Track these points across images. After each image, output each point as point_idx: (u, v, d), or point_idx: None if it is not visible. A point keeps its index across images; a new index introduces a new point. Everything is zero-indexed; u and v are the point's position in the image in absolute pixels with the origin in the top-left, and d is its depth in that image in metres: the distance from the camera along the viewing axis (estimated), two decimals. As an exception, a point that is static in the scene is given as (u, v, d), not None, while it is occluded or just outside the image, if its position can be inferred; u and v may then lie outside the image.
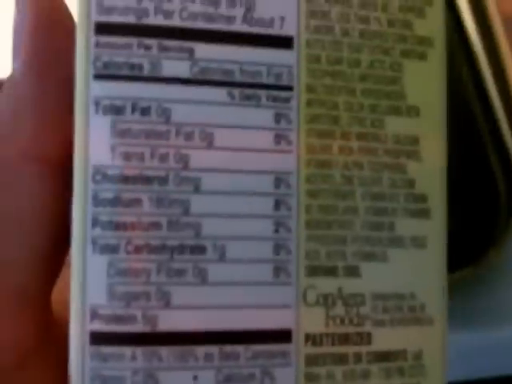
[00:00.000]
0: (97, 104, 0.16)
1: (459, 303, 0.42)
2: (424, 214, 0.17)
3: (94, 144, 0.16)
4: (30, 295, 0.16)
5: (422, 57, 0.17)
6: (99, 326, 0.16)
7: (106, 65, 0.16)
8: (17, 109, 0.16)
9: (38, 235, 0.16)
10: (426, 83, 0.18)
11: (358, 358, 0.17)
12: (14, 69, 0.16)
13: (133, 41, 0.16)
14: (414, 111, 0.17)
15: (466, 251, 0.42)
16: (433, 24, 0.18)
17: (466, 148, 0.44)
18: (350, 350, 0.17)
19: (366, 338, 0.17)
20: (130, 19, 0.16)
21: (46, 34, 0.16)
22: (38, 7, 0.15)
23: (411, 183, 0.17)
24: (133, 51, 0.16)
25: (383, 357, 0.17)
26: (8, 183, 0.16)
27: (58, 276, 0.17)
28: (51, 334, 0.17)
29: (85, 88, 0.16)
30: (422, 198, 0.17)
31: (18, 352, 0.16)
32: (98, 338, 0.16)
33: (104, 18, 0.16)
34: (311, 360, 0.16)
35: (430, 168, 0.17)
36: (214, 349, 0.16)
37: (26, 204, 0.16)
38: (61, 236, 0.16)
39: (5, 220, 0.16)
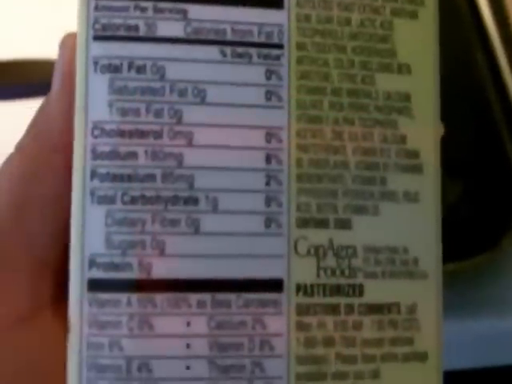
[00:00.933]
0: (96, 63, 0.17)
1: (473, 290, 0.41)
2: (416, 169, 0.17)
3: (93, 101, 0.16)
4: (48, 263, 0.18)
5: (413, 15, 0.18)
6: (97, 274, 0.16)
7: (104, 27, 0.17)
8: (51, 113, 0.18)
9: (57, 214, 0.18)
10: (417, 42, 0.18)
11: (349, 309, 0.17)
12: (51, 91, 0.18)
13: (129, 3, 0.17)
14: (405, 69, 0.18)
15: (480, 238, 0.42)
16: None
17: (481, 135, 0.43)
18: (341, 300, 0.17)
19: (357, 290, 0.17)
20: None
21: (72, 71, 0.18)
22: (69, 60, 0.18)
23: (403, 139, 0.17)
24: (129, 13, 0.17)
25: (375, 309, 0.17)
26: (39, 171, 0.18)
27: None
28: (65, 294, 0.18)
29: (85, 49, 0.17)
30: (414, 154, 0.17)
31: (35, 303, 0.18)
32: (95, 285, 0.16)
33: (102, -17, 0.17)
34: (302, 309, 0.17)
35: (422, 124, 0.18)
36: (206, 296, 0.16)
37: (52, 189, 0.18)
38: None
39: (34, 202, 0.18)
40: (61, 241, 0.18)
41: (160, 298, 0.16)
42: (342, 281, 0.17)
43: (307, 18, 0.17)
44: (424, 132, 0.18)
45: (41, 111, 0.19)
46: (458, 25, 0.47)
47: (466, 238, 0.41)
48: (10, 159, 0.18)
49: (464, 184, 0.44)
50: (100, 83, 0.16)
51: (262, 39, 0.17)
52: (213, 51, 0.17)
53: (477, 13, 0.44)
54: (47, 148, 0.18)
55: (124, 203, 0.16)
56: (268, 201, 0.17)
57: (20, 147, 0.18)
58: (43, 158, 0.18)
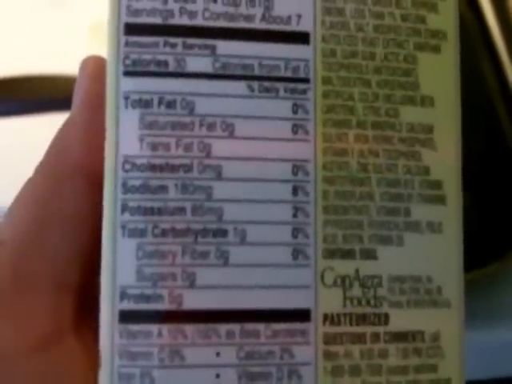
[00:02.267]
0: (126, 98, 0.17)
1: (483, 300, 0.41)
2: (439, 200, 0.17)
3: (124, 135, 0.16)
4: (68, 283, 0.18)
5: (436, 49, 0.18)
6: (128, 305, 0.16)
7: (134, 62, 0.17)
8: (71, 135, 0.18)
9: (77, 234, 0.18)
10: (439, 74, 0.18)
11: (375, 337, 0.17)
12: (71, 113, 0.18)
13: (159, 40, 0.17)
14: (428, 101, 0.17)
15: (489, 249, 0.41)
16: (445, 18, 0.18)
17: (489, 146, 0.43)
18: (367, 329, 0.17)
19: (383, 319, 0.17)
20: (157, 20, 0.17)
21: (91, 93, 0.18)
22: (89, 82, 0.18)
23: (426, 170, 0.17)
24: (159, 49, 0.17)
25: (400, 337, 0.17)
26: (60, 190, 0.18)
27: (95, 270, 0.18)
28: (87, 319, 0.18)
29: (115, 84, 0.17)
30: (437, 185, 0.17)
31: (57, 326, 0.17)
32: (126, 317, 0.16)
33: (132, 20, 0.17)
34: (329, 339, 0.16)
35: (445, 156, 0.17)
36: (235, 327, 0.16)
37: (73, 209, 0.18)
38: (96, 235, 0.17)
39: (55, 223, 0.18)
40: (82, 262, 0.18)
41: (190, 328, 0.16)
42: (368, 310, 0.17)
43: (333, 52, 0.17)
44: (446, 163, 0.18)
45: (61, 132, 0.18)
46: (463, 34, 0.46)
47: (474, 248, 0.41)
48: (30, 180, 0.18)
49: (472, 195, 0.44)
50: (131, 118, 0.16)
51: (289, 74, 0.17)
52: (240, 86, 0.17)
53: (482, 22, 0.44)
54: (68, 169, 0.18)
55: (155, 236, 0.16)
56: (295, 232, 0.17)
57: (41, 169, 0.18)
58: (64, 178, 0.18)
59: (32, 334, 0.17)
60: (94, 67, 0.18)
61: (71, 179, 0.18)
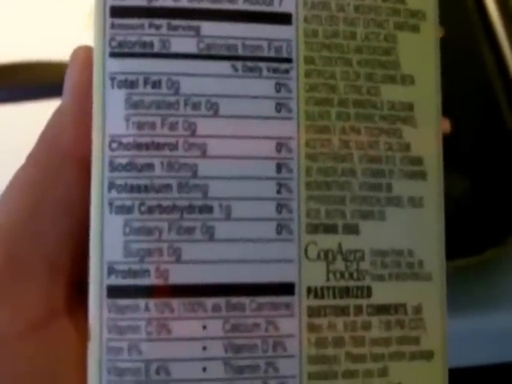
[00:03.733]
0: (112, 79, 0.16)
1: (483, 285, 0.41)
2: (420, 175, 0.17)
3: (110, 115, 0.16)
4: (61, 266, 0.18)
5: (415, 29, 0.17)
6: (116, 280, 0.16)
7: (120, 44, 0.16)
8: (62, 123, 0.18)
9: (69, 217, 0.18)
10: (419, 53, 0.17)
11: (358, 310, 0.17)
12: (62, 101, 0.18)
13: (144, 21, 0.16)
14: (408, 79, 0.17)
15: (489, 233, 0.41)
16: None
17: (489, 131, 0.43)
18: (350, 302, 0.17)
19: (365, 292, 0.17)
20: (142, 2, 0.17)
21: (82, 81, 0.18)
22: (79, 71, 0.18)
23: (407, 147, 0.17)
24: (144, 31, 0.16)
25: (383, 309, 0.17)
26: (51, 176, 0.18)
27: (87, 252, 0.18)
28: (80, 301, 0.18)
29: (102, 65, 0.16)
30: (418, 161, 0.17)
31: (50, 308, 0.17)
32: (114, 292, 0.16)
33: (118, 2, 0.17)
34: (313, 311, 0.16)
35: (425, 132, 0.17)
36: (221, 300, 0.16)
37: (64, 193, 0.18)
38: (86, 218, 0.17)
39: (46, 207, 0.18)
40: (73, 244, 0.17)
41: (177, 302, 0.16)
42: (351, 283, 0.17)
43: (314, 32, 0.17)
44: (427, 140, 0.17)
45: (52, 120, 0.18)
46: (462, 18, 0.46)
47: (474, 233, 0.40)
48: (22, 167, 0.18)
49: (472, 180, 0.43)
50: (117, 98, 0.16)
51: (272, 54, 0.17)
52: (225, 66, 0.17)
53: (481, 5, 0.43)
54: (59, 155, 0.18)
55: (141, 213, 0.16)
56: (279, 208, 0.16)
57: (32, 155, 0.18)
58: (55, 164, 0.18)
59: (26, 316, 0.17)
60: (84, 56, 0.18)
61: (62, 165, 0.18)
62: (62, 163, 0.18)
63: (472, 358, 0.39)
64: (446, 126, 0.46)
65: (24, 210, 0.18)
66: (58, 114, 0.18)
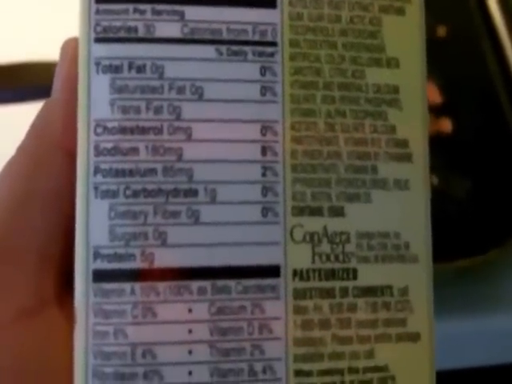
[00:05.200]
0: (97, 64, 0.16)
1: (486, 286, 0.40)
2: (406, 157, 0.17)
3: (95, 100, 0.16)
4: (51, 256, 0.17)
5: (400, 12, 0.17)
6: (101, 265, 0.16)
7: (105, 29, 0.16)
8: (52, 114, 0.18)
9: (59, 207, 0.17)
10: (404, 36, 0.17)
11: (344, 292, 0.16)
12: (52, 93, 0.18)
13: (129, 7, 0.16)
14: (393, 63, 0.17)
15: (491, 234, 0.40)
16: None
17: (491, 131, 0.42)
18: (336, 284, 0.16)
19: (351, 274, 0.16)
20: None
21: (72, 75, 0.17)
22: (69, 64, 0.17)
23: (392, 129, 0.17)
24: (129, 16, 0.16)
25: (369, 291, 0.16)
26: (40, 167, 0.17)
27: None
28: (70, 291, 0.17)
29: (87, 51, 0.16)
30: (404, 143, 0.17)
31: (40, 298, 0.17)
32: (100, 276, 0.16)
33: (102, -12, 0.16)
34: (299, 293, 0.16)
35: (410, 115, 0.17)
36: (207, 283, 0.16)
37: (53, 184, 0.17)
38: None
39: (35, 197, 0.17)
40: (63, 234, 0.17)
41: (162, 286, 0.16)
42: (337, 265, 0.16)
43: (299, 16, 0.17)
44: (412, 122, 0.17)
45: (42, 112, 0.18)
46: (465, 19, 0.45)
47: (477, 234, 0.40)
48: (12, 158, 0.18)
49: (474, 181, 0.43)
50: (102, 83, 0.16)
51: (257, 37, 0.16)
52: (209, 50, 0.16)
53: (484, 6, 0.43)
54: (48, 146, 0.17)
55: (126, 197, 0.16)
56: (264, 191, 0.16)
57: (22, 147, 0.18)
58: (44, 155, 0.17)
59: (15, 305, 0.17)
60: (75, 49, 0.18)
61: (52, 156, 0.17)
62: (51, 154, 0.17)
63: (475, 359, 0.39)
64: (447, 126, 0.46)
65: (14, 200, 0.17)
66: (47, 105, 0.18)
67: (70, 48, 0.17)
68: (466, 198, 0.42)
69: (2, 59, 0.40)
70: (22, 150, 0.18)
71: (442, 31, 0.46)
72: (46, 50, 0.39)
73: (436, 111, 0.44)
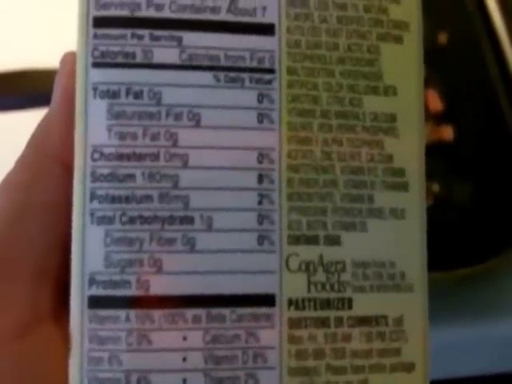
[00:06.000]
0: (95, 89, 0.16)
1: (487, 294, 0.40)
2: (402, 186, 0.17)
3: (92, 125, 0.16)
4: (48, 271, 0.17)
5: (398, 40, 0.17)
6: (97, 291, 0.15)
7: (103, 54, 0.16)
8: (50, 127, 0.18)
9: (56, 222, 0.17)
10: (402, 64, 0.17)
11: (339, 321, 0.16)
12: (50, 105, 0.18)
13: (127, 32, 0.16)
14: (391, 91, 0.17)
15: (491, 243, 0.40)
16: (408, 9, 0.17)
17: (492, 137, 0.42)
18: (331, 314, 0.16)
19: (346, 303, 0.16)
20: (125, 12, 0.16)
21: (70, 87, 0.17)
22: (67, 78, 0.17)
23: (389, 158, 0.17)
24: (127, 41, 0.16)
25: (364, 321, 0.16)
26: (38, 180, 0.17)
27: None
28: (67, 306, 0.17)
29: (84, 75, 0.16)
30: (400, 172, 0.17)
31: (36, 313, 0.17)
32: (95, 302, 0.15)
33: (101, 13, 0.16)
34: (294, 323, 0.16)
35: (408, 143, 0.17)
36: (201, 311, 0.16)
37: (51, 197, 0.17)
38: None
39: (33, 210, 0.17)
40: (60, 247, 0.17)
41: (157, 313, 0.15)
42: (332, 295, 0.16)
43: (297, 43, 0.16)
44: (409, 151, 0.17)
45: (41, 125, 0.18)
46: (465, 21, 0.45)
47: (477, 242, 0.39)
48: (11, 170, 0.18)
49: (475, 187, 0.43)
50: (99, 108, 0.16)
51: (254, 64, 0.16)
52: (207, 76, 0.16)
53: (483, 8, 0.43)
54: (47, 159, 0.17)
55: (122, 223, 0.16)
56: (260, 219, 0.16)
57: (21, 160, 0.18)
58: (43, 168, 0.17)
59: (11, 321, 0.17)
60: (73, 63, 0.17)
61: (50, 170, 0.17)
62: (49, 167, 0.17)
63: (475, 367, 0.39)
64: (449, 133, 0.46)
65: (11, 212, 0.17)
66: (46, 118, 0.18)
67: (69, 61, 0.17)
68: (468, 204, 0.42)
69: (2, 67, 0.40)
70: (21, 161, 0.18)
71: (442, 38, 0.46)
72: (46, 58, 0.39)
73: (437, 118, 0.44)
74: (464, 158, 0.43)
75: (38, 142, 0.18)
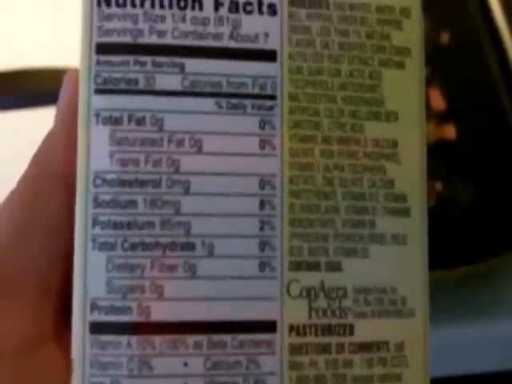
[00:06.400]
0: (97, 116, 0.16)
1: (489, 292, 0.40)
2: (404, 212, 0.17)
3: (95, 151, 0.16)
4: (50, 287, 0.17)
5: (400, 65, 0.17)
6: (98, 317, 0.15)
7: (105, 80, 0.16)
8: (53, 146, 0.18)
9: (59, 239, 0.17)
10: (404, 90, 0.17)
11: (340, 348, 0.16)
12: (54, 121, 0.18)
13: (129, 58, 0.16)
14: (392, 116, 0.17)
15: (494, 240, 0.40)
16: (410, 35, 0.17)
17: (494, 137, 0.42)
18: (332, 340, 0.16)
19: (348, 329, 0.16)
20: (127, 39, 0.16)
21: (74, 104, 0.17)
22: (71, 95, 0.17)
23: (391, 183, 0.17)
24: (129, 67, 0.16)
25: (365, 347, 0.16)
26: (42, 198, 0.17)
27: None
28: (69, 324, 0.17)
29: (87, 102, 0.16)
30: (402, 198, 0.17)
31: (39, 329, 0.17)
32: (97, 328, 0.15)
33: (104, 39, 0.16)
34: (295, 349, 0.16)
35: (409, 169, 0.17)
36: (203, 338, 0.16)
37: (53, 214, 0.17)
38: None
39: (36, 227, 0.17)
40: (64, 268, 0.17)
41: (158, 339, 0.15)
42: (333, 321, 0.16)
43: (299, 69, 0.16)
44: (411, 176, 0.17)
45: (44, 143, 0.18)
46: (467, 22, 0.45)
47: (479, 241, 0.39)
48: (14, 189, 0.18)
49: (477, 186, 0.42)
50: (101, 135, 0.16)
51: (256, 91, 0.16)
52: (209, 103, 0.16)
53: (486, 9, 0.42)
54: (49, 177, 0.17)
55: (124, 249, 0.16)
56: (262, 245, 0.16)
57: (24, 178, 0.18)
58: (45, 185, 0.17)
59: (13, 339, 0.17)
60: (77, 80, 0.17)
61: (53, 187, 0.17)
62: (51, 185, 0.17)
63: (476, 366, 0.39)
64: (451, 132, 0.46)
65: (14, 229, 0.17)
66: (49, 136, 0.18)
67: (73, 77, 0.17)
68: (470, 203, 0.42)
69: (2, 66, 0.40)
70: (24, 180, 0.18)
71: (445, 37, 0.46)
72: (46, 58, 0.39)
73: (439, 117, 0.44)
74: (466, 157, 0.43)
75: (40, 159, 0.18)
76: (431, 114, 0.45)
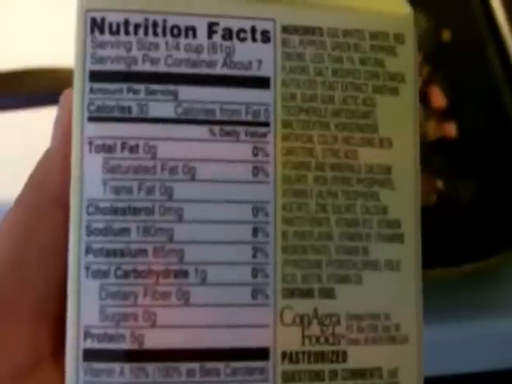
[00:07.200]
0: (90, 144, 0.16)
1: (491, 290, 0.39)
2: (398, 238, 0.17)
3: (88, 179, 0.16)
4: (47, 311, 0.17)
5: (394, 92, 0.17)
6: (91, 344, 0.15)
7: (98, 108, 0.16)
8: (50, 167, 0.18)
9: (56, 262, 0.17)
10: (397, 116, 0.17)
11: (333, 374, 0.16)
12: (50, 143, 0.18)
13: (123, 86, 0.16)
14: (386, 142, 0.17)
15: (495, 238, 0.39)
16: (404, 60, 0.17)
17: (495, 135, 0.42)
18: (325, 367, 0.16)
19: (341, 356, 0.16)
20: (121, 67, 0.16)
21: (70, 127, 0.17)
22: (68, 115, 0.17)
23: (384, 210, 0.17)
24: (123, 95, 0.16)
25: (358, 374, 0.16)
26: (38, 220, 0.17)
27: None
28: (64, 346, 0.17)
29: (80, 129, 0.16)
30: (396, 224, 0.17)
31: (36, 355, 0.17)
32: (90, 355, 0.15)
33: (97, 67, 0.16)
34: (288, 376, 0.16)
35: (403, 195, 0.17)
36: (195, 365, 0.15)
37: (51, 239, 0.17)
38: None
39: (33, 251, 0.17)
40: (60, 289, 0.17)
41: (151, 367, 0.15)
42: (326, 348, 0.16)
43: (292, 96, 0.16)
44: (405, 202, 0.17)
45: (40, 165, 0.18)
46: (469, 22, 0.45)
47: (481, 239, 0.39)
48: (10, 212, 0.18)
49: (479, 184, 0.42)
50: (94, 162, 0.16)
51: (250, 118, 0.16)
52: (202, 130, 0.16)
53: (488, 9, 0.42)
54: (46, 199, 0.17)
55: (117, 277, 0.16)
56: (255, 272, 0.16)
57: (20, 201, 0.18)
58: (42, 208, 0.17)
59: (10, 364, 0.17)
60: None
61: (49, 211, 0.17)
62: (48, 208, 0.17)
63: (478, 364, 0.38)
64: (452, 130, 0.46)
65: (10, 255, 0.17)
66: (46, 157, 0.18)
67: (70, 98, 0.17)
68: (471, 201, 0.42)
69: (2, 66, 0.40)
70: (20, 202, 0.18)
71: (446, 35, 0.46)
72: (46, 58, 0.39)
73: (441, 115, 0.44)
74: (467, 154, 0.43)
75: (37, 181, 0.18)
76: (432, 112, 0.45)
